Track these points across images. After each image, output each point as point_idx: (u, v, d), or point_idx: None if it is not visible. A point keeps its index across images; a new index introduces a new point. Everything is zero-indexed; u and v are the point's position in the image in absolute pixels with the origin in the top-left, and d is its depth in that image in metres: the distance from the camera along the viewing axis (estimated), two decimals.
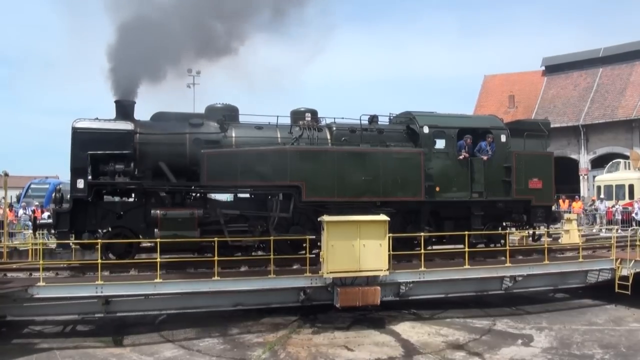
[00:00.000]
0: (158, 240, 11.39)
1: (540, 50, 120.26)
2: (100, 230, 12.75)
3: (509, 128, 15.86)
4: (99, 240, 11.20)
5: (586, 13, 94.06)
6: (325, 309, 12.95)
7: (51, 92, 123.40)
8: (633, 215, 23.38)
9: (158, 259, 11.09)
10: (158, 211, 12.37)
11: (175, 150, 13.05)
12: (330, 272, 11.53)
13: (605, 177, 29.07)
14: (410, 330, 12.27)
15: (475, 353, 10.65)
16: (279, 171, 13.07)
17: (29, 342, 10.91)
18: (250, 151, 13.13)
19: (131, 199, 13.53)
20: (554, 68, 40.93)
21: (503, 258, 14.13)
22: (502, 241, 15.49)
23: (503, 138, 15.35)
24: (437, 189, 14.47)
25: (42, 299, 10.51)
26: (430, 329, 12.34)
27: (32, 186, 32.70)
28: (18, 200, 31.30)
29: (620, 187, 27.50)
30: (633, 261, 14.05)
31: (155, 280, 10.88)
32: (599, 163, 34.59)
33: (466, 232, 13.52)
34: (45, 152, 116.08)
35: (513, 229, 16.48)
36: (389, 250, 11.92)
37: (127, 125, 12.92)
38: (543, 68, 41.67)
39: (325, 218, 11.69)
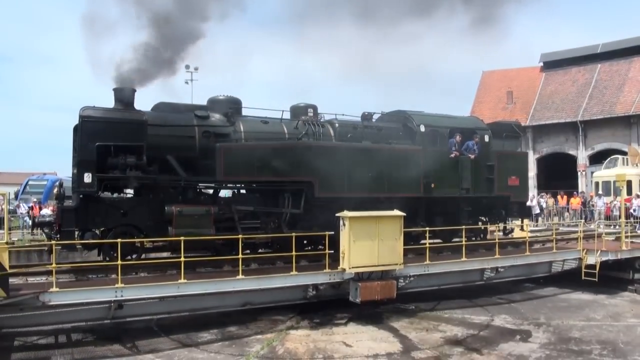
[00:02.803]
0: (182, 238, 10.61)
1: (539, 46, 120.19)
2: (96, 230, 11.91)
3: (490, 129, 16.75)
4: (118, 240, 10.37)
5: (584, 9, 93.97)
6: (323, 306, 12.97)
7: (49, 87, 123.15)
8: (631, 211, 23.37)
9: (182, 259, 10.49)
10: (173, 207, 11.81)
11: (185, 143, 12.50)
12: (353, 267, 11.59)
13: (603, 173, 29.04)
14: (408, 326, 12.30)
15: (473, 349, 10.67)
16: (293, 166, 12.97)
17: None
18: (267, 146, 12.94)
19: (129, 195, 12.85)
20: (552, 64, 40.82)
21: (484, 250, 15.20)
22: (482, 235, 16.54)
23: (486, 138, 16.20)
24: (433, 185, 14.89)
25: (54, 306, 9.57)
26: (428, 325, 12.37)
27: (30, 182, 32.64)
28: (16, 197, 31.23)
29: None
30: (599, 251, 15.21)
31: (180, 281, 10.37)
32: (597, 159, 34.52)
33: (463, 227, 14.25)
34: (43, 148, 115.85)
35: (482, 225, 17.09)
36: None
37: (140, 115, 12.20)
38: (541, 64, 41.54)
39: (347, 214, 11.67)
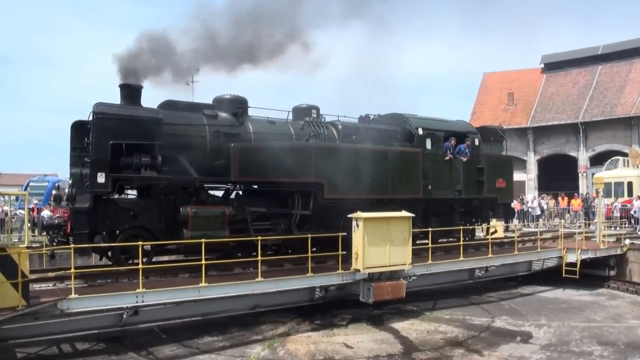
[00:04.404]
0: (203, 240, 10.33)
1: (540, 47, 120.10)
2: (104, 232, 11.27)
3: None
4: (140, 243, 9.99)
5: (585, 10, 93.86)
6: (324, 307, 12.95)
7: (50, 89, 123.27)
8: (632, 212, 23.36)
9: (203, 262, 10.19)
10: (189, 209, 11.51)
11: (197, 142, 12.19)
12: (367, 268, 11.65)
13: (604, 175, 29.05)
14: (409, 327, 12.30)
15: (474, 350, 10.66)
16: (306, 168, 12.93)
17: None
18: (280, 146, 12.83)
19: (132, 195, 12.40)
20: (553, 65, 40.82)
21: (472, 250, 15.81)
22: (470, 235, 17.19)
23: (476, 142, 16.78)
24: (430, 187, 15.20)
25: (71, 314, 9.04)
26: (429, 326, 12.37)
27: (31, 184, 32.62)
28: (17, 198, 31.21)
29: (619, 185, 27.43)
30: (580, 249, 16.24)
31: (201, 285, 10.15)
32: (597, 160, 34.47)
33: (461, 227, 14.91)
34: (43, 149, 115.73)
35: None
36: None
37: (156, 113, 11.77)
38: (542, 65, 41.54)
39: (361, 215, 11.70)
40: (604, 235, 17.97)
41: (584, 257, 16.33)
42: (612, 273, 17.44)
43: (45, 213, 21.74)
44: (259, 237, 11.31)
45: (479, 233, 18.62)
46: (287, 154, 12.65)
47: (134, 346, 10.53)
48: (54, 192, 13.18)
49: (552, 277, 16.91)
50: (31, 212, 23.93)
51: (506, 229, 20.22)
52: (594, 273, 17.34)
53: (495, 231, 17.86)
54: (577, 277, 15.95)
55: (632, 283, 16.82)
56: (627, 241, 17.81)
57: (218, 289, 10.45)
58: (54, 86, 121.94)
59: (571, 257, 16.25)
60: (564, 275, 16.17)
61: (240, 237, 12.12)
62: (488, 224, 17.68)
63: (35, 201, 27.95)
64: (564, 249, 16.49)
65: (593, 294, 16.46)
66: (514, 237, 17.40)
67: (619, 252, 17.51)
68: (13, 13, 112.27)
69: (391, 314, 13.32)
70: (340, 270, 11.84)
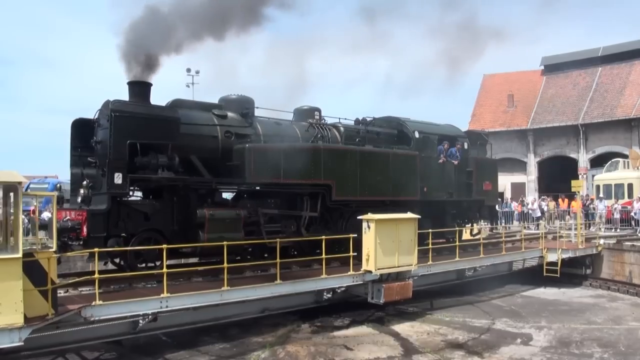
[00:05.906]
0: (225, 243, 10.16)
1: (540, 49, 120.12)
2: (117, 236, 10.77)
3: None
4: (164, 246, 9.71)
5: (585, 12, 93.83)
6: (324, 309, 12.95)
7: (49, 91, 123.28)
8: (632, 214, 23.34)
9: (225, 264, 10.04)
10: (205, 211, 11.28)
11: (209, 143, 12.01)
12: (379, 269, 11.73)
13: (604, 176, 29.00)
14: (409, 329, 12.31)
15: (474, 352, 10.66)
16: (316, 169, 12.96)
17: None
18: (293, 148, 12.80)
19: (136, 197, 11.85)
20: (553, 67, 40.78)
21: (462, 251, 15.64)
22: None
23: (465, 145, 17.17)
24: (425, 189, 15.39)
25: (94, 321, 8.67)
26: (429, 328, 12.38)
27: (32, 186, 32.59)
28: None
29: (619, 186, 27.42)
30: (561, 249, 17.01)
31: (223, 288, 10.00)
32: (598, 162, 34.44)
33: (457, 229, 15.33)
34: (43, 151, 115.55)
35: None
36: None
37: (174, 112, 11.47)
38: (542, 67, 41.50)
39: (373, 217, 11.77)
40: (601, 237, 18.45)
41: (564, 256, 16.98)
42: (589, 272, 18.30)
43: (46, 215, 21.68)
44: (278, 240, 11.29)
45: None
46: (299, 155, 12.65)
47: (136, 349, 10.51)
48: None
49: (532, 276, 17.71)
50: (31, 214, 23.94)
51: (491, 230, 21.18)
52: (571, 272, 18.07)
53: (479, 232, 18.39)
54: (559, 275, 16.59)
55: (632, 285, 16.84)
56: (602, 241, 18.53)
57: (239, 292, 10.37)
58: (54, 88, 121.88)
59: (552, 257, 16.98)
60: (545, 274, 16.84)
61: (258, 240, 12.11)
62: (472, 225, 18.12)
63: (35, 203, 27.89)
64: (544, 249, 17.16)
65: (593, 295, 16.52)
66: (496, 237, 17.96)
67: (594, 251, 18.28)
68: (13, 15, 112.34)
69: (391, 316, 13.32)
70: (351, 272, 11.89)
